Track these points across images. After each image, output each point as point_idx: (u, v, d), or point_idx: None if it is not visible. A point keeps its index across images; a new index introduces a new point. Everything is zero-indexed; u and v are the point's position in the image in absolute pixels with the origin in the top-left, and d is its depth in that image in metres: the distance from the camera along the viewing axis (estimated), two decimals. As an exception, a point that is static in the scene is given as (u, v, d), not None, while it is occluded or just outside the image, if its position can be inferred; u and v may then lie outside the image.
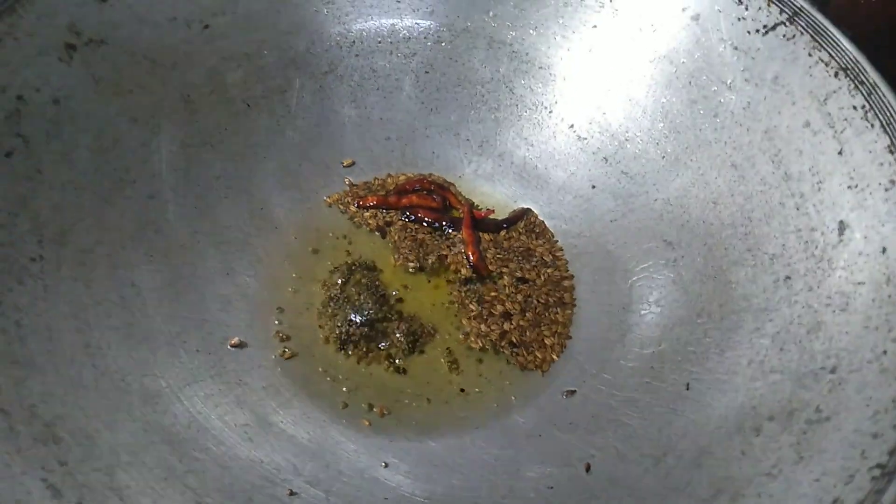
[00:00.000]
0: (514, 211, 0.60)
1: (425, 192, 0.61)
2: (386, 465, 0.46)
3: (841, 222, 0.45)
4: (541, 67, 0.62)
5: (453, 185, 0.62)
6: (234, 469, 0.44)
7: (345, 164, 0.62)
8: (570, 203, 0.60)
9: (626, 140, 0.58)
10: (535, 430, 0.47)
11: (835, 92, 0.47)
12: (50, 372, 0.42)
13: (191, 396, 0.47)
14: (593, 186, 0.59)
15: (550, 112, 0.62)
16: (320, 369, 0.51)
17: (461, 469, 0.46)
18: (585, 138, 0.60)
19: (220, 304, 0.52)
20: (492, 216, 0.60)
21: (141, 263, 0.51)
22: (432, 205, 0.60)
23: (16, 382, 0.40)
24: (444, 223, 0.59)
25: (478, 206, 0.61)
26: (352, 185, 0.61)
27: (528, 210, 0.60)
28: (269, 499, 0.43)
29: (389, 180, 0.62)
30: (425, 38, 0.63)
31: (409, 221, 0.59)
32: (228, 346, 0.51)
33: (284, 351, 0.52)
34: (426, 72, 0.64)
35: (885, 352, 0.38)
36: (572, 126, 0.61)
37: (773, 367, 0.43)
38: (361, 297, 0.54)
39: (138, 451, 0.42)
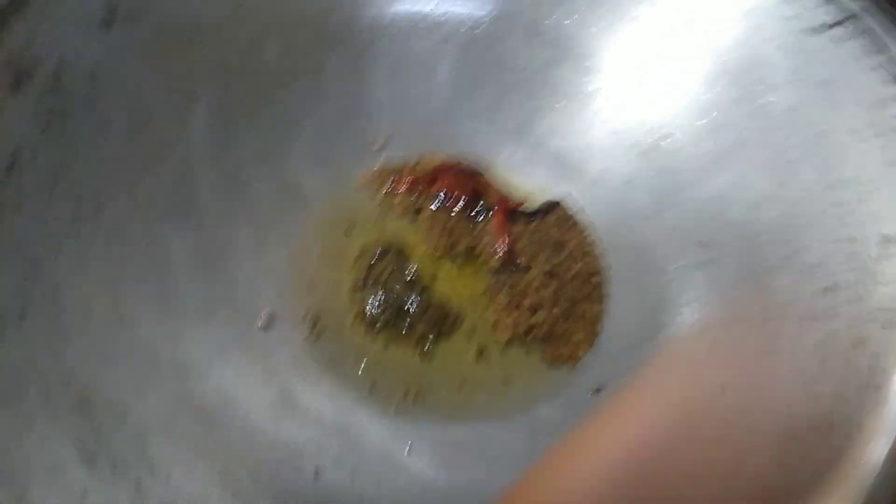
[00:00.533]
0: (545, 202, 0.60)
1: (456, 176, 0.60)
2: (410, 451, 0.47)
3: (884, 235, 0.44)
4: (579, 57, 0.61)
5: (485, 171, 0.61)
6: (260, 444, 0.45)
7: (376, 147, 0.61)
8: (603, 197, 0.59)
9: (664, 136, 0.57)
10: (561, 424, 0.47)
11: (888, 100, 0.46)
12: (85, 343, 0.42)
13: (219, 371, 0.48)
14: (628, 181, 0.58)
15: (587, 104, 0.61)
16: (348, 350, 0.51)
17: (485, 459, 0.47)
18: (622, 132, 0.59)
19: (250, 280, 0.53)
20: (522, 208, 0.60)
21: (174, 237, 0.51)
22: (464, 190, 0.59)
23: (53, 352, 0.40)
24: (475, 210, 0.59)
25: (508, 195, 0.61)
26: (383, 167, 0.61)
27: (559, 203, 0.60)
28: (294, 475, 0.44)
29: (421, 164, 0.61)
30: (461, 22, 0.62)
31: (439, 206, 0.59)
32: (257, 324, 0.51)
33: (312, 331, 0.52)
34: (461, 57, 0.63)
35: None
36: (609, 119, 0.60)
37: (813, 378, 0.42)
38: (390, 281, 0.54)
39: (168, 423, 0.42)
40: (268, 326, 0.51)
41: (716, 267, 0.51)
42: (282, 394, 0.48)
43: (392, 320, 0.53)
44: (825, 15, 0.49)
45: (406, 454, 0.47)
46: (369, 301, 0.53)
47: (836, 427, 0.38)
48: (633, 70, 0.59)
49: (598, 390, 0.50)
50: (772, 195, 0.51)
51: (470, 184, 0.60)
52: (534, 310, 0.53)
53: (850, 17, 0.48)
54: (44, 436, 0.36)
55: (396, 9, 0.62)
